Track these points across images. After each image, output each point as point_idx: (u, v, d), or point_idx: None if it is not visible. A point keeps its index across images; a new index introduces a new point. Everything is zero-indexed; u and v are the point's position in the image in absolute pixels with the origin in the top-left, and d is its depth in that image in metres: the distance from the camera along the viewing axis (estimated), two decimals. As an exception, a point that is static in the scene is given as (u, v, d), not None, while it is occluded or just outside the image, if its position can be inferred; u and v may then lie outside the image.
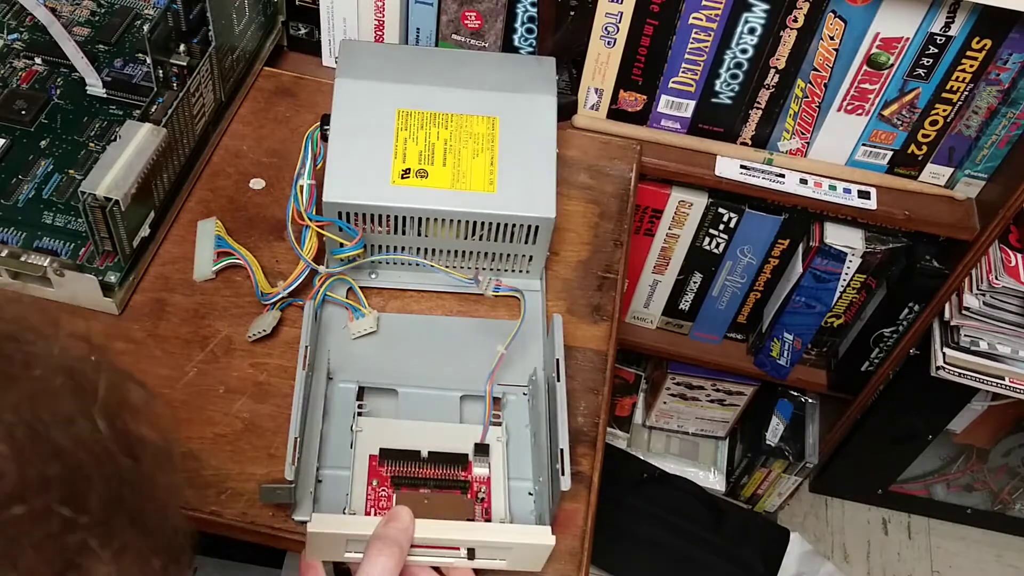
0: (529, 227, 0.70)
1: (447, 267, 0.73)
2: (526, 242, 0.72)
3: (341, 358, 0.69)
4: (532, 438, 0.66)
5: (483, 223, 0.70)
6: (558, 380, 0.63)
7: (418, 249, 0.73)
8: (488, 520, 0.62)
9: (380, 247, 0.72)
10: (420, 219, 0.70)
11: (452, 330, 0.73)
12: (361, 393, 0.68)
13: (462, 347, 0.71)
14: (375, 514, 0.61)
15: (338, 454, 0.64)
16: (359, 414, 0.66)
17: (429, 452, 0.64)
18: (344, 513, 0.61)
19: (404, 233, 0.71)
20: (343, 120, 0.71)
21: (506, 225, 0.70)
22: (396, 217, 0.70)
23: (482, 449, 0.65)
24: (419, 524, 0.57)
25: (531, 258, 0.73)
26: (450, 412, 0.67)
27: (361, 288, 0.72)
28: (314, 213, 0.70)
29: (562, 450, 0.59)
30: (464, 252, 0.73)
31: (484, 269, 0.74)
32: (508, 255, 0.73)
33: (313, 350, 0.67)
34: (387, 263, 0.74)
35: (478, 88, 0.72)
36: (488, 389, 0.66)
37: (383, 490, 0.62)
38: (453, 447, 0.65)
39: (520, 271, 0.75)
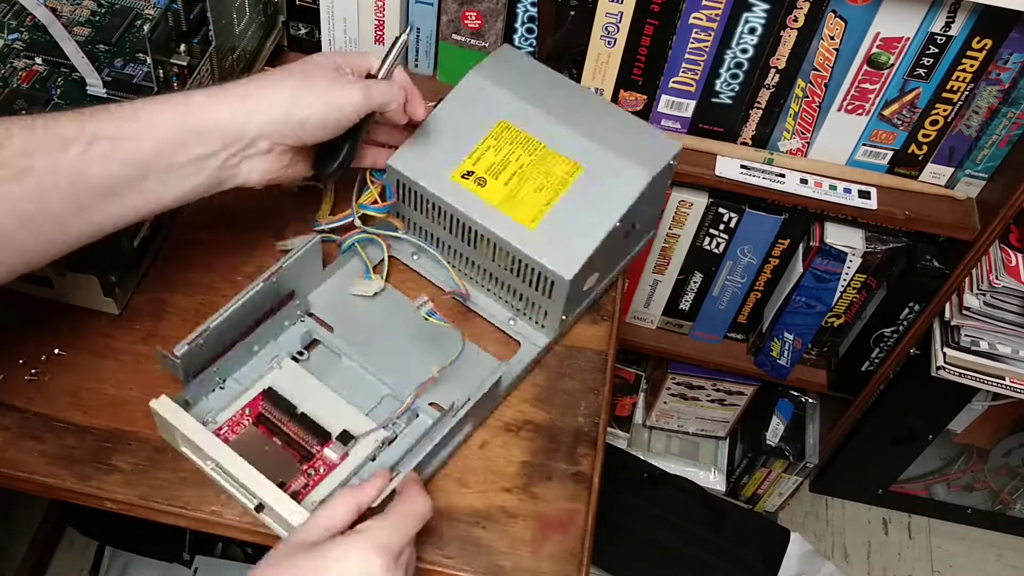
0: (545, 279, 0.68)
1: (481, 284, 0.73)
2: (543, 293, 0.69)
3: (323, 303, 0.72)
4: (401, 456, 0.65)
5: (505, 252, 0.69)
6: (452, 415, 0.63)
7: (460, 255, 0.73)
8: (301, 497, 0.62)
9: (425, 232, 0.74)
10: (454, 219, 0.70)
11: (433, 329, 0.71)
12: (314, 344, 0.70)
13: (431, 348, 0.70)
14: (228, 434, 0.64)
15: (249, 374, 0.68)
16: (293, 358, 0.68)
17: (303, 413, 0.66)
18: (207, 419, 0.65)
19: (443, 227, 0.72)
20: (451, 107, 0.72)
21: (525, 266, 0.68)
22: (435, 207, 0.70)
23: (346, 438, 0.64)
24: (233, 459, 0.60)
25: (546, 313, 0.71)
26: (367, 400, 0.68)
27: (391, 258, 0.74)
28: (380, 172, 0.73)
29: (398, 473, 0.59)
30: (495, 277, 0.72)
31: (512, 307, 0.73)
32: (527, 299, 0.71)
33: (296, 277, 0.69)
34: (410, 245, 0.75)
35: (586, 135, 0.71)
36: (408, 402, 0.66)
37: (245, 420, 0.65)
38: (327, 423, 0.65)
39: (536, 322, 0.72)
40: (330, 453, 0.64)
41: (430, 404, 0.67)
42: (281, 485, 0.61)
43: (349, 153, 0.66)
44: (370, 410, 0.67)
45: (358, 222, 0.73)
